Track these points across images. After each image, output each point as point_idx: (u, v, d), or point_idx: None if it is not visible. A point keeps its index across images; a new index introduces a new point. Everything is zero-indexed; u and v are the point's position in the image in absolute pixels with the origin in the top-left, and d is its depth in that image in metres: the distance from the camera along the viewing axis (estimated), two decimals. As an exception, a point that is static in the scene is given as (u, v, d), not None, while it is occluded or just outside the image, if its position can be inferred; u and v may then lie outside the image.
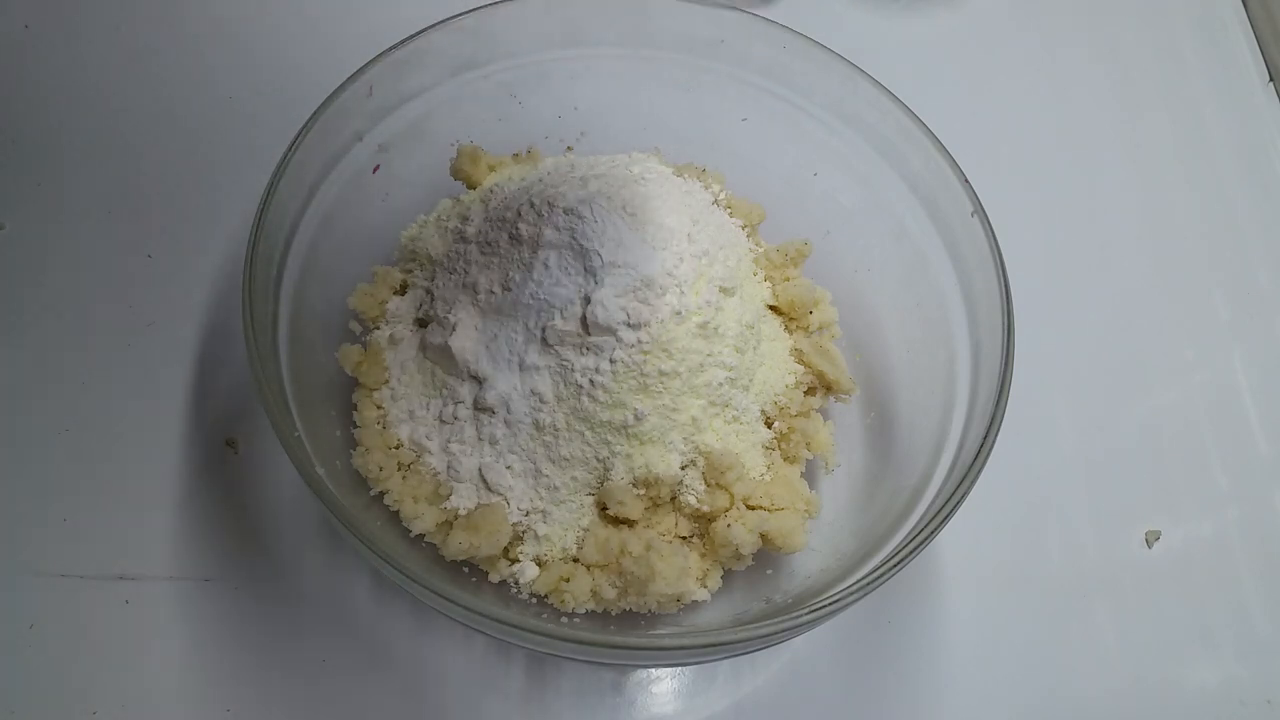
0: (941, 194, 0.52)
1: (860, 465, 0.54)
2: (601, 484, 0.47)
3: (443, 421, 0.48)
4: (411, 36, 0.53)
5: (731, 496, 0.47)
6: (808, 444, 0.51)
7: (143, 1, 0.71)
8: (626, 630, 0.48)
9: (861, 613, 0.53)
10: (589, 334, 0.45)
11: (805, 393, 0.53)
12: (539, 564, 0.47)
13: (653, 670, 0.52)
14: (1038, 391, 0.60)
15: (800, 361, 0.53)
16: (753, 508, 0.47)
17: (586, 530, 0.47)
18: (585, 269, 0.45)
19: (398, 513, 0.47)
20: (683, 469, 0.48)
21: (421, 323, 0.52)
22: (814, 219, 0.58)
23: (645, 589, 0.45)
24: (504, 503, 0.47)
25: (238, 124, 0.67)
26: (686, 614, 0.49)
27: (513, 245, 0.47)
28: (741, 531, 0.46)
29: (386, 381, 0.50)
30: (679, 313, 0.46)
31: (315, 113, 0.50)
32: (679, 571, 0.45)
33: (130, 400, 0.56)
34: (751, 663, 0.52)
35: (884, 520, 0.48)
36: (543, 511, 0.47)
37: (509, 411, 0.46)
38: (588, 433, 0.46)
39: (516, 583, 0.47)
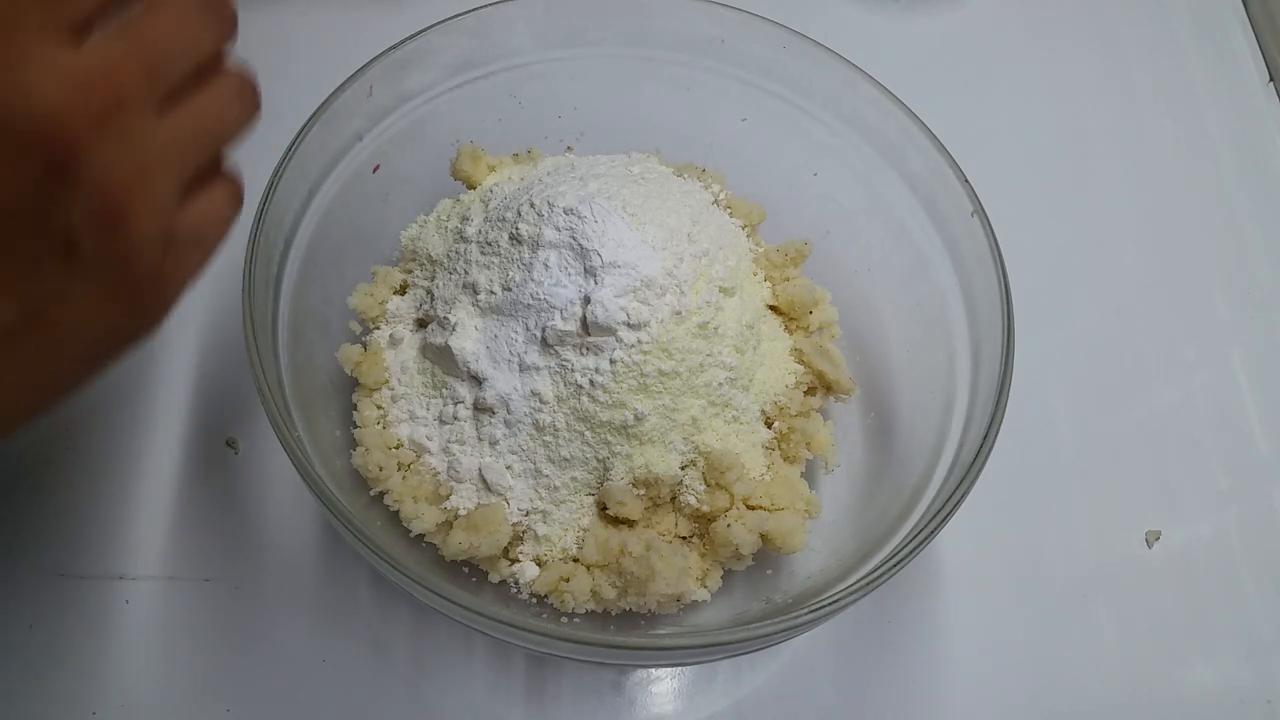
0: (941, 194, 0.52)
1: (860, 465, 0.54)
2: (601, 484, 0.47)
3: (443, 422, 0.48)
4: (411, 36, 0.53)
5: (731, 496, 0.47)
6: (808, 444, 0.51)
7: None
8: (626, 630, 0.48)
9: (861, 613, 0.53)
10: (589, 334, 0.45)
11: (805, 393, 0.53)
12: (539, 564, 0.47)
13: (653, 670, 0.52)
14: (1038, 391, 0.60)
15: (800, 361, 0.53)
16: (753, 508, 0.47)
17: (586, 530, 0.47)
18: (585, 269, 0.45)
19: (398, 513, 0.47)
20: (683, 469, 0.48)
21: (421, 323, 0.52)
22: (814, 219, 0.58)
23: (645, 589, 0.45)
24: (504, 503, 0.47)
25: (238, 124, 0.67)
26: (686, 614, 0.49)
27: (513, 245, 0.47)
28: (741, 531, 0.46)
29: (386, 382, 0.50)
30: (679, 313, 0.46)
31: (315, 113, 0.50)
32: (679, 571, 0.45)
33: (130, 400, 0.56)
34: (751, 663, 0.52)
35: (884, 520, 0.48)
36: (543, 511, 0.47)
37: (509, 412, 0.46)
38: (588, 433, 0.46)
39: (516, 583, 0.47)
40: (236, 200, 0.34)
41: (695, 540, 0.49)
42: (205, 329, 0.59)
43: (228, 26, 0.33)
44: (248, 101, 0.34)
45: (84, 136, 0.26)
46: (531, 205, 0.47)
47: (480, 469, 0.47)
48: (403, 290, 0.54)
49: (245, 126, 0.34)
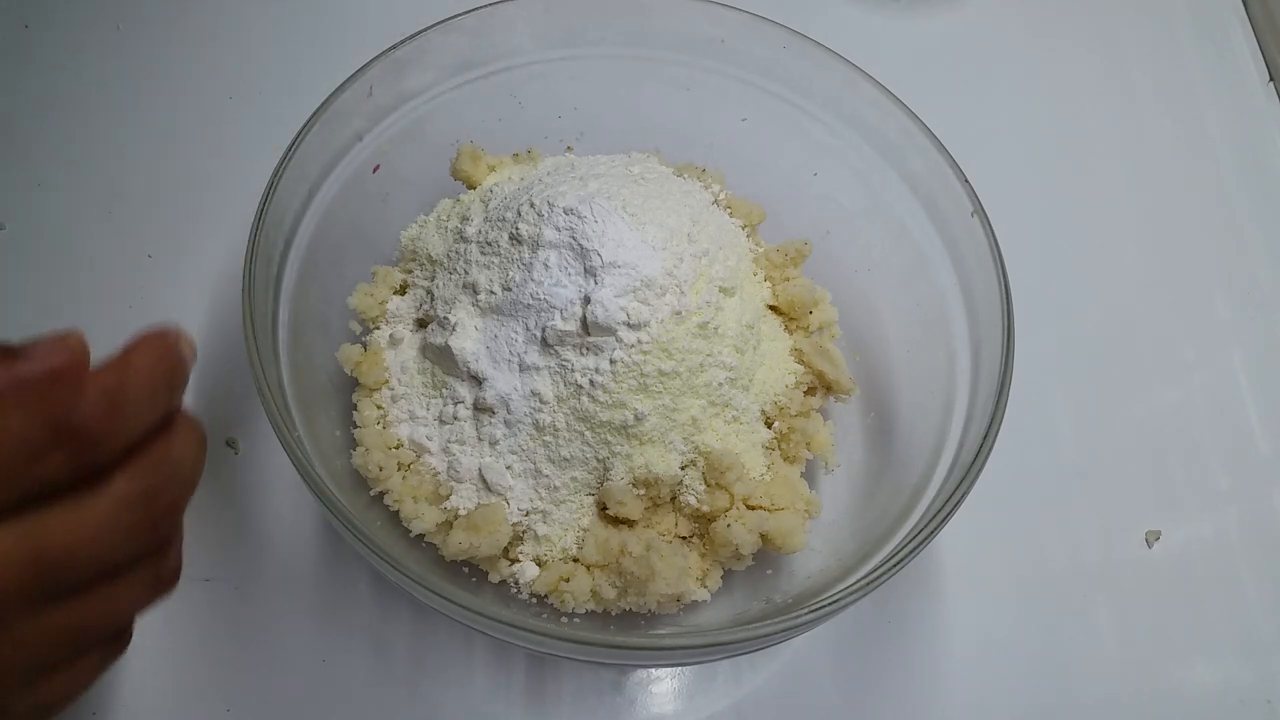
0: (941, 194, 0.52)
1: (860, 465, 0.54)
2: (601, 484, 0.47)
3: (443, 422, 0.48)
4: (411, 36, 0.53)
5: (731, 496, 0.47)
6: (808, 444, 0.51)
7: (143, 1, 0.71)
8: (626, 630, 0.48)
9: (861, 613, 0.53)
10: (589, 334, 0.45)
11: (805, 393, 0.53)
12: (539, 564, 0.47)
13: (653, 670, 0.52)
14: (1038, 391, 0.60)
15: (800, 361, 0.53)
16: (753, 508, 0.47)
17: (586, 530, 0.47)
18: (585, 269, 0.45)
19: (398, 513, 0.47)
20: (683, 469, 0.48)
21: (421, 323, 0.52)
22: (814, 219, 0.58)
23: (645, 589, 0.45)
24: (504, 503, 0.47)
25: (238, 123, 0.67)
26: (686, 614, 0.49)
27: (513, 245, 0.47)
28: (741, 531, 0.46)
29: (386, 382, 0.50)
30: (679, 313, 0.46)
31: (315, 113, 0.50)
32: (679, 571, 0.45)
33: (130, 400, 0.56)
34: (751, 663, 0.52)
35: (884, 520, 0.48)
36: (543, 511, 0.47)
37: (509, 412, 0.46)
38: (588, 433, 0.46)
39: (516, 583, 0.47)
40: (118, 653, 0.31)
41: (695, 540, 0.49)
42: (205, 329, 0.59)
43: (163, 530, 0.29)
44: (161, 588, 0.30)
45: None
46: (531, 205, 0.47)
47: (480, 469, 0.47)
48: (403, 290, 0.54)
49: (148, 608, 0.30)
